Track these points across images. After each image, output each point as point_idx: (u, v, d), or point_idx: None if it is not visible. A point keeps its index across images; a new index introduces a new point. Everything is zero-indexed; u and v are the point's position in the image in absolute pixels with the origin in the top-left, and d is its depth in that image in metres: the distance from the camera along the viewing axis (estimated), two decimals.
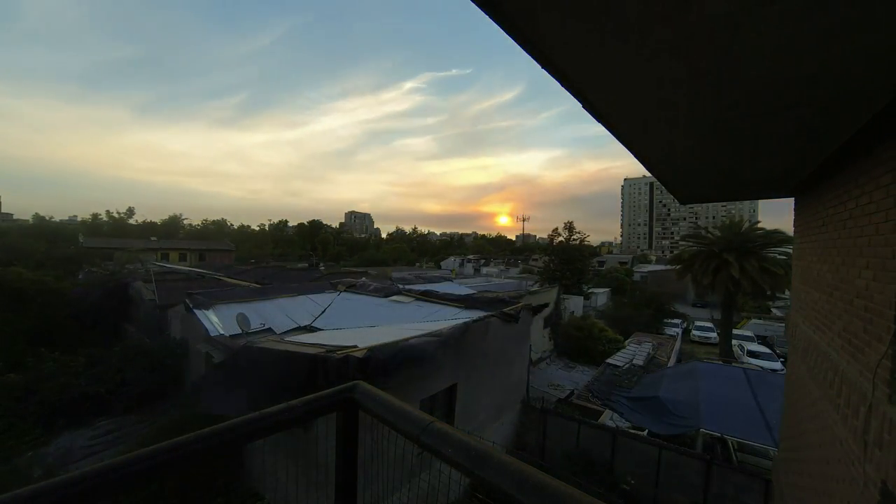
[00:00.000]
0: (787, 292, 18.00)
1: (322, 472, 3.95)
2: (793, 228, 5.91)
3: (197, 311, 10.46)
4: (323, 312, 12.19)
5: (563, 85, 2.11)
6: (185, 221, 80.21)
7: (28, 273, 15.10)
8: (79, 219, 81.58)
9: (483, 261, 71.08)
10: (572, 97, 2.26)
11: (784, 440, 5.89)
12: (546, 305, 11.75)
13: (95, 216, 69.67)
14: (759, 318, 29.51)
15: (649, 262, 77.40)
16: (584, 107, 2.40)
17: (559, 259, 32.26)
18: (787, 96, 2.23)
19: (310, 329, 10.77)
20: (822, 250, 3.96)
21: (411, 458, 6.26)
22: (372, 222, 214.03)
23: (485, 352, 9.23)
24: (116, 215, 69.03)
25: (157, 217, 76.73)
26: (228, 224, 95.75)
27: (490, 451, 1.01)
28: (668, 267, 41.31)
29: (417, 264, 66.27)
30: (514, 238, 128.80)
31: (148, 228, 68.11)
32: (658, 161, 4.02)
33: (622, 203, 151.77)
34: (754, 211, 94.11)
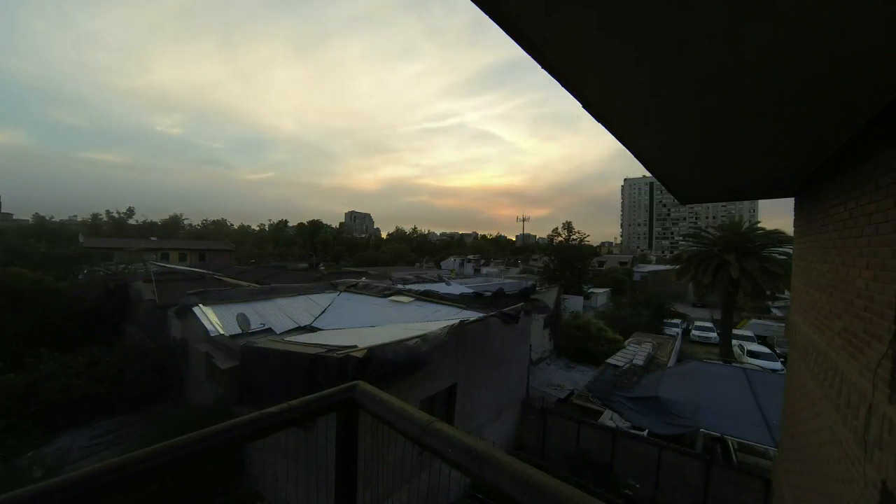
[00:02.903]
0: (786, 292, 17.99)
1: (322, 472, 3.94)
2: (793, 228, 5.90)
3: (197, 311, 10.46)
4: (323, 312, 12.19)
5: (563, 85, 2.11)
6: (185, 221, 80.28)
7: (28, 273, 15.07)
8: (79, 219, 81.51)
9: (483, 261, 71.14)
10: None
11: (784, 440, 5.89)
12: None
13: (95, 216, 69.68)
14: (759, 318, 29.49)
15: (649, 262, 77.35)
16: (584, 107, 2.41)
17: (559, 259, 32.28)
18: (788, 96, 2.23)
19: (310, 329, 10.77)
20: (822, 250, 3.96)
21: (411, 459, 6.26)
22: (372, 222, 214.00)
23: (485, 352, 9.22)
24: (116, 215, 69.01)
25: (157, 217, 76.74)
26: (228, 224, 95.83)
27: (490, 451, 1.01)
28: (668, 267, 41.32)
29: (417, 264, 66.29)
30: (514, 238, 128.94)
31: (148, 228, 68.16)
32: (658, 161, 4.02)
33: (622, 203, 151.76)
34: (754, 211, 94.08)
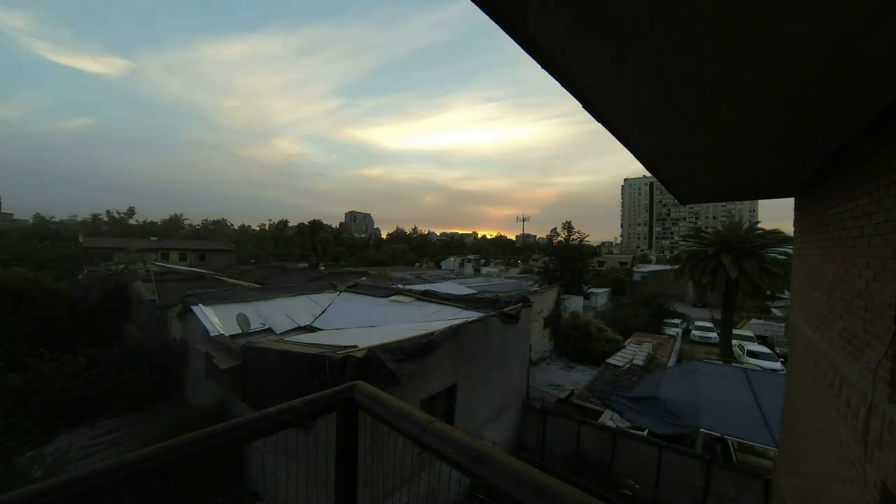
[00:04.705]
0: (786, 292, 17.99)
1: (322, 472, 3.95)
2: (793, 228, 5.90)
3: (197, 311, 10.46)
4: (323, 312, 12.19)
5: (563, 85, 2.11)
6: (185, 221, 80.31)
7: (28, 273, 15.09)
8: (79, 219, 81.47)
9: (483, 261, 71.13)
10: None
11: (784, 440, 5.89)
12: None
13: (95, 216, 69.67)
14: (759, 318, 29.47)
15: (649, 262, 77.32)
16: (584, 107, 2.40)
17: (559, 259, 32.27)
18: (788, 96, 2.23)
19: (310, 329, 10.77)
20: (823, 250, 3.96)
21: (411, 459, 6.26)
22: (372, 222, 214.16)
23: (485, 352, 9.22)
24: (116, 215, 68.99)
25: (158, 217, 76.74)
26: (228, 224, 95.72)
27: (490, 451, 1.01)
28: (668, 267, 41.31)
29: (417, 264, 66.27)
30: (514, 238, 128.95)
31: (148, 228, 68.10)
32: (658, 161, 4.02)
33: (622, 203, 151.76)
34: (754, 211, 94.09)
